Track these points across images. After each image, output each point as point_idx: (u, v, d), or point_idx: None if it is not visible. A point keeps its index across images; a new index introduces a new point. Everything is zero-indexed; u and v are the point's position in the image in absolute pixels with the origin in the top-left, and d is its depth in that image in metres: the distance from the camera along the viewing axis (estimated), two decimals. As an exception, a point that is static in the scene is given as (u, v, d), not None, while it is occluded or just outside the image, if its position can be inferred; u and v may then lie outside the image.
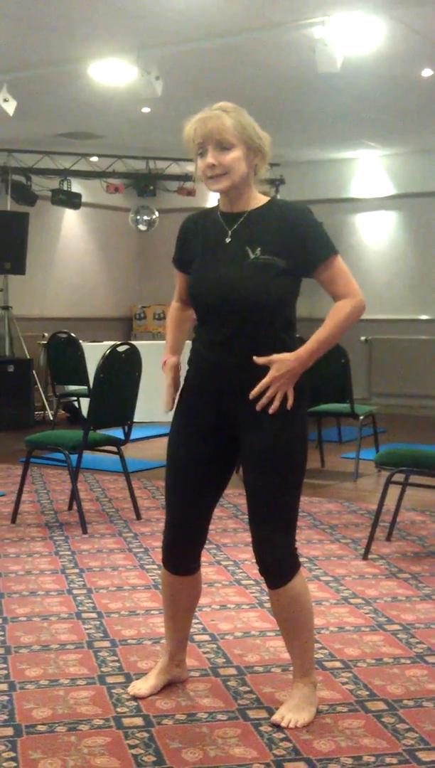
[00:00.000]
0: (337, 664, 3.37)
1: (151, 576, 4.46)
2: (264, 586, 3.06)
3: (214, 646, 3.55)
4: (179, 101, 7.92)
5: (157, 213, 11.70)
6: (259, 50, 6.91)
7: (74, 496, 5.54)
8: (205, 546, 3.09)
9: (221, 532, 5.29)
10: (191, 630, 3.31)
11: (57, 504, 6.05)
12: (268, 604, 3.86)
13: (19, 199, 10.44)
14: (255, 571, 3.26)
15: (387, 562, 4.72)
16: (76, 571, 4.55)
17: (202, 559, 3.09)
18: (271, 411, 2.73)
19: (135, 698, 3.06)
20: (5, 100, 7.49)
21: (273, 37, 6.61)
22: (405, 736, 2.79)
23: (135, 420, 5.73)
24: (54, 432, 6.25)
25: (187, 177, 10.76)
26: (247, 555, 4.65)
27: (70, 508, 5.87)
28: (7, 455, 7.88)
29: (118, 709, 2.98)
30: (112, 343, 6.16)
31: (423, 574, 4.50)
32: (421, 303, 11.22)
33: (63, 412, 10.09)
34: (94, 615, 3.90)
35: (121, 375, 5.59)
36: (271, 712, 2.94)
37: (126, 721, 2.89)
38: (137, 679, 3.19)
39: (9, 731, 2.82)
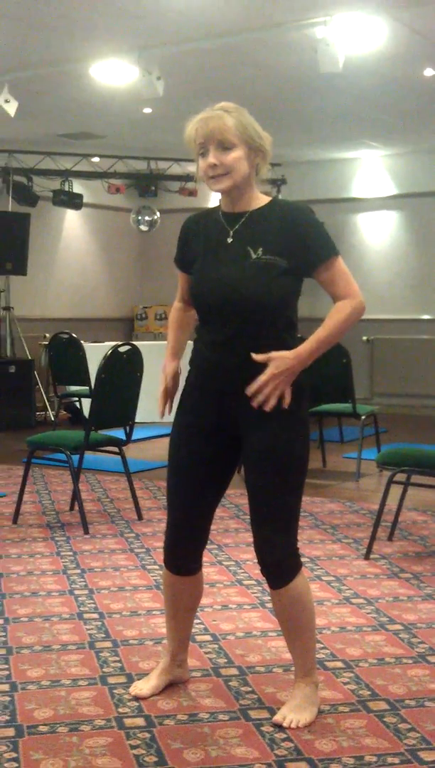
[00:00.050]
0: (339, 664, 3.36)
1: (152, 576, 4.46)
2: (265, 586, 3.06)
3: (216, 646, 3.54)
4: (180, 101, 7.92)
5: (158, 213, 11.70)
6: (260, 50, 6.91)
7: (76, 496, 5.54)
8: (207, 546, 3.09)
9: (223, 532, 5.29)
10: (193, 630, 3.30)
11: (58, 504, 6.05)
12: (269, 605, 3.86)
13: (20, 200, 10.45)
14: (256, 571, 3.25)
15: (389, 562, 4.71)
16: (78, 571, 4.54)
17: (204, 559, 3.09)
18: (267, 408, 2.72)
19: (136, 699, 3.06)
20: (6, 101, 7.49)
21: (274, 37, 6.61)
22: (407, 736, 2.79)
23: (136, 420, 5.73)
24: (55, 432, 6.25)
25: (188, 177, 10.76)
26: (249, 555, 4.65)
27: (71, 508, 5.87)
28: (9, 456, 7.88)
29: (120, 710, 2.98)
30: (113, 343, 6.16)
31: (425, 574, 4.50)
32: (423, 303, 11.21)
33: (64, 412, 10.09)
34: (95, 615, 3.90)
35: (123, 375, 5.59)
36: (272, 713, 2.94)
37: (127, 722, 2.89)
38: (139, 679, 3.19)
39: (10, 732, 2.82)
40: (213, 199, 10.72)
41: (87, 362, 8.22)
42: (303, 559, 3.01)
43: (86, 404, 7.49)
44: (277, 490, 2.79)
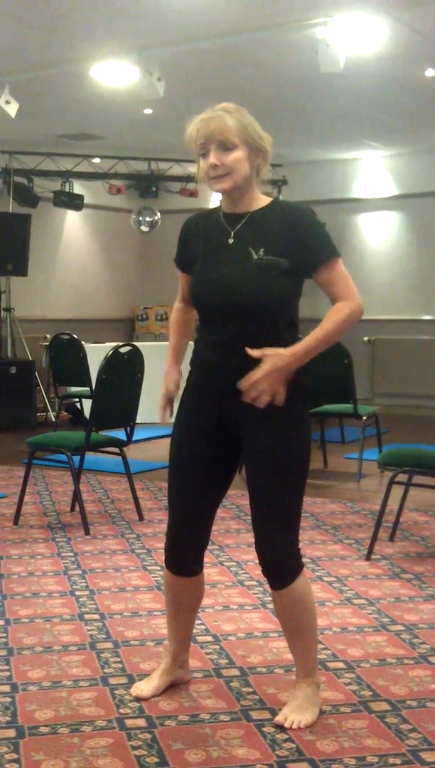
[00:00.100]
0: (340, 665, 3.36)
1: (153, 577, 4.45)
2: (267, 587, 3.06)
3: (217, 647, 3.54)
4: (181, 102, 7.92)
5: (159, 214, 11.70)
6: (261, 51, 6.91)
7: (76, 497, 5.54)
8: (208, 547, 3.08)
9: (224, 533, 5.28)
10: (194, 631, 3.30)
11: (59, 505, 6.05)
12: (270, 605, 3.85)
13: (21, 201, 10.45)
14: (258, 572, 3.25)
15: (390, 563, 4.71)
16: (79, 572, 4.54)
17: (205, 560, 3.09)
18: (260, 405, 2.70)
19: (138, 699, 3.05)
20: (7, 102, 7.49)
21: (275, 38, 6.61)
22: (408, 737, 2.78)
23: (137, 421, 5.73)
24: (56, 433, 6.25)
25: (189, 178, 10.76)
26: (250, 556, 4.65)
27: (72, 509, 5.87)
28: (10, 456, 7.88)
29: (121, 711, 2.98)
30: (114, 344, 6.16)
31: (426, 575, 4.50)
32: (424, 303, 11.21)
33: (65, 413, 10.09)
34: (96, 616, 3.89)
35: (124, 376, 5.58)
36: (274, 713, 2.93)
37: (129, 723, 2.89)
38: (140, 680, 3.18)
39: (11, 733, 2.82)
40: (214, 200, 10.72)
41: (88, 363, 8.22)
42: (304, 560, 3.01)
43: (87, 405, 7.49)
44: (278, 489, 2.79)
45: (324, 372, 6.72)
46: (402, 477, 4.92)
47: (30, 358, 10.14)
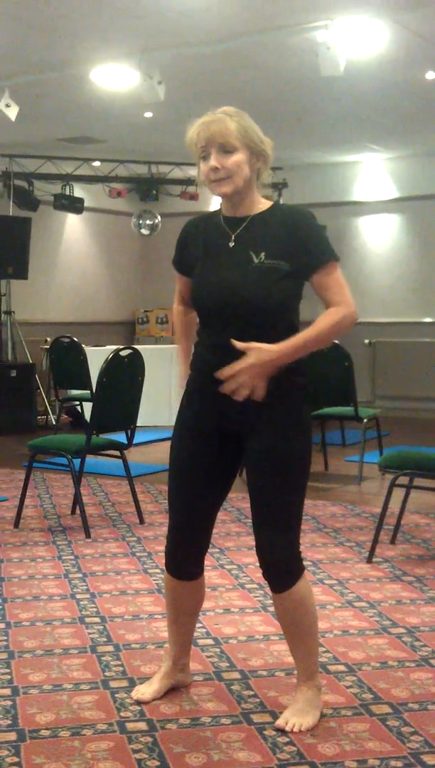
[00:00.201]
0: (342, 668, 3.36)
1: (154, 580, 4.45)
2: (267, 589, 3.06)
3: (218, 650, 3.54)
4: (181, 105, 7.92)
5: (159, 217, 11.71)
6: (261, 54, 6.92)
7: (77, 500, 5.53)
8: (209, 550, 3.08)
9: (224, 535, 5.28)
10: (195, 634, 3.29)
11: (60, 508, 6.05)
12: (271, 608, 3.85)
13: (21, 204, 10.45)
14: (258, 575, 3.25)
15: (391, 565, 4.70)
16: (79, 575, 4.54)
17: (206, 563, 3.08)
18: (238, 398, 2.70)
19: (138, 703, 3.05)
20: (7, 105, 7.50)
21: (275, 41, 6.61)
22: (410, 740, 2.78)
23: (138, 424, 5.72)
24: (57, 436, 6.25)
25: (189, 181, 10.75)
26: (251, 559, 4.64)
27: (73, 512, 5.86)
28: (10, 459, 7.87)
29: (122, 714, 2.97)
30: (114, 347, 6.16)
31: (427, 577, 4.49)
32: (425, 306, 11.21)
33: (66, 416, 10.09)
34: (97, 619, 3.89)
35: (124, 379, 5.58)
36: (275, 716, 2.93)
37: (129, 726, 2.88)
38: (141, 683, 3.18)
39: (12, 736, 2.82)
40: (214, 203, 10.71)
41: (88, 366, 8.22)
42: (305, 563, 3.01)
43: (87, 408, 7.49)
44: (277, 490, 2.79)
45: (325, 375, 6.73)
46: (403, 480, 4.92)
47: (30, 361, 10.13)
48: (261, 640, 3.64)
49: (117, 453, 5.68)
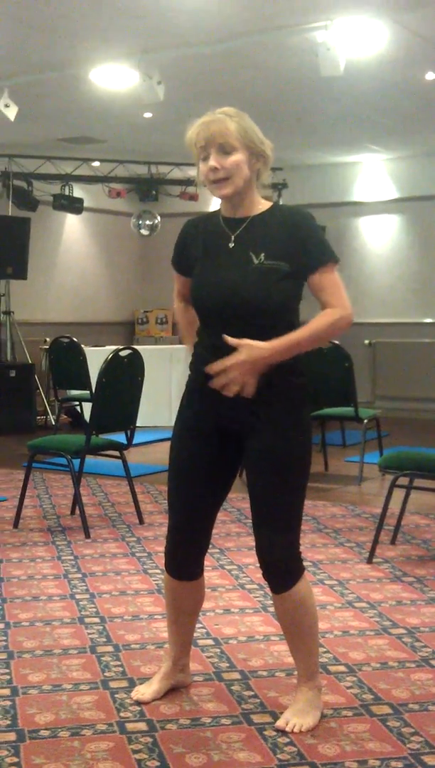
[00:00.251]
0: (342, 668, 3.35)
1: (154, 580, 4.45)
2: (268, 590, 3.06)
3: (218, 650, 3.53)
4: (181, 105, 7.92)
5: (159, 217, 11.70)
6: (261, 54, 6.91)
7: (77, 500, 5.53)
8: (209, 550, 3.08)
9: (224, 536, 5.28)
10: (195, 634, 3.29)
11: (59, 508, 6.04)
12: (271, 608, 3.84)
13: (20, 205, 10.44)
14: (258, 575, 3.24)
15: (391, 566, 4.70)
16: (79, 575, 4.53)
17: (206, 563, 3.08)
18: (228, 394, 2.68)
19: (138, 703, 3.05)
20: (6, 106, 7.49)
21: (275, 41, 6.61)
22: (410, 740, 2.78)
23: (137, 424, 5.72)
24: (56, 436, 6.25)
25: (189, 181, 10.76)
26: (251, 559, 4.64)
27: (72, 512, 5.86)
28: (10, 460, 7.87)
29: (122, 714, 2.97)
30: (114, 347, 6.16)
31: (427, 578, 4.49)
32: (425, 306, 11.21)
33: (65, 416, 10.08)
34: (96, 620, 3.89)
35: (124, 379, 5.58)
36: (275, 717, 2.92)
37: (129, 726, 2.88)
38: (140, 683, 3.18)
39: (12, 736, 2.81)
40: (214, 203, 10.71)
41: (88, 366, 8.22)
42: (305, 563, 3.00)
43: (87, 408, 7.48)
44: (277, 489, 2.78)
45: (325, 375, 6.73)
46: (403, 480, 4.91)
47: (30, 362, 10.13)
48: (261, 640, 3.64)
49: (116, 453, 5.68)
